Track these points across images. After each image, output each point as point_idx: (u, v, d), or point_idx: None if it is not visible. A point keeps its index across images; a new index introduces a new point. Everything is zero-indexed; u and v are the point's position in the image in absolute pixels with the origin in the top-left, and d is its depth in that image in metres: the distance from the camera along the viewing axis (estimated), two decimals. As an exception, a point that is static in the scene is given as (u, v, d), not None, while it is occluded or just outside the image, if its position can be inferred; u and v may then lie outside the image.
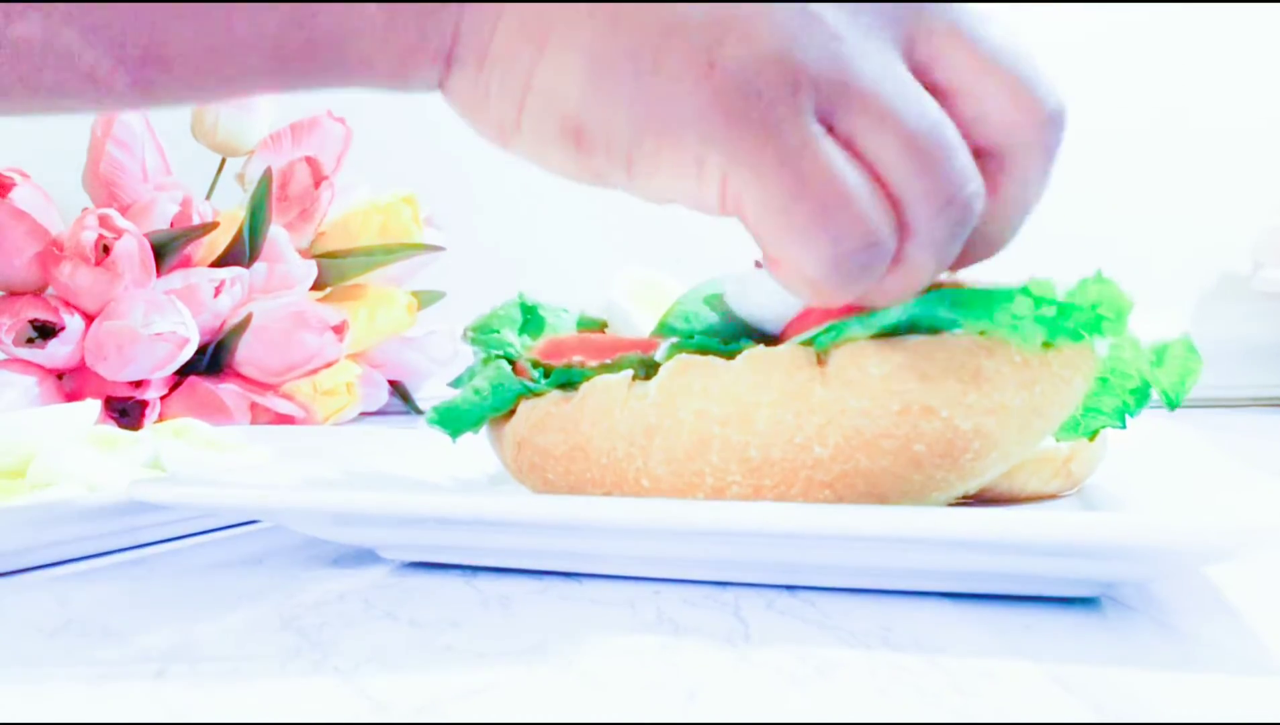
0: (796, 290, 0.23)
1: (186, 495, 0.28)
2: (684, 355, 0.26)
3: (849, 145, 0.22)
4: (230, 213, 0.80)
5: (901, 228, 0.23)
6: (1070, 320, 0.23)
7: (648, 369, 0.28)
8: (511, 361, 0.31)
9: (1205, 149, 0.97)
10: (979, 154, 0.23)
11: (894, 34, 0.22)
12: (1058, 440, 0.33)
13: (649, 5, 0.22)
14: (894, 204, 0.22)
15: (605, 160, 0.23)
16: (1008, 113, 0.23)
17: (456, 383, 0.33)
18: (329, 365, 0.80)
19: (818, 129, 0.22)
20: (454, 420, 0.32)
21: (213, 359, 0.77)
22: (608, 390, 0.28)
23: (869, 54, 0.22)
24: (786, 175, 0.22)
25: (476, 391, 0.31)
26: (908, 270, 0.23)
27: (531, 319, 0.35)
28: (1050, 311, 0.23)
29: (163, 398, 0.75)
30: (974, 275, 0.25)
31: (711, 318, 0.30)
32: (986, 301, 0.23)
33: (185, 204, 0.76)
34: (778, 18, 0.21)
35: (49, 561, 0.30)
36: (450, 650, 0.21)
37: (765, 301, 0.27)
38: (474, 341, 0.33)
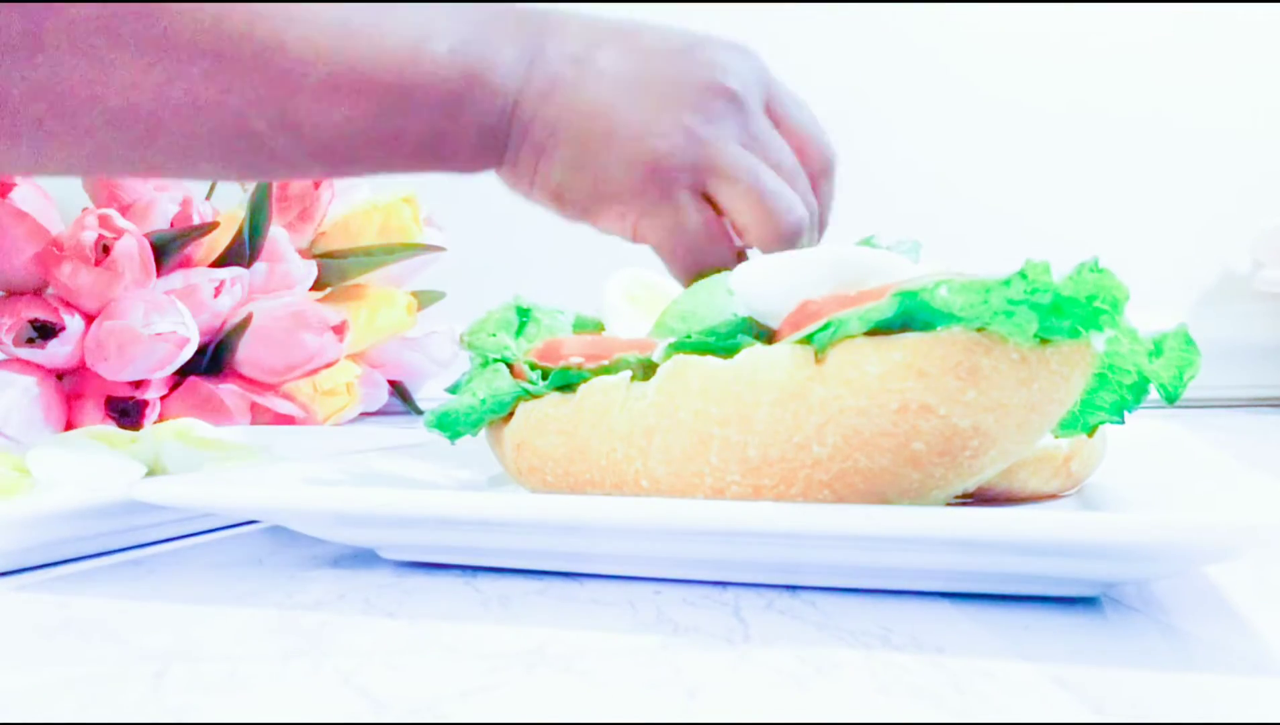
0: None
1: (186, 495, 0.28)
2: (682, 356, 0.26)
3: (715, 203, 0.38)
4: (230, 213, 0.80)
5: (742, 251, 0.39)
6: (1066, 316, 0.23)
7: (646, 370, 0.28)
8: (509, 364, 0.31)
9: (1206, 149, 0.97)
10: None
11: (740, 122, 0.39)
12: (1056, 437, 0.33)
13: (599, 126, 0.38)
14: (742, 234, 0.38)
15: (573, 211, 0.40)
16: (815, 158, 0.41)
17: (453, 389, 0.33)
18: (329, 365, 0.80)
19: (690, 196, 0.38)
20: (452, 424, 0.32)
21: (213, 359, 0.77)
22: (606, 391, 0.28)
23: (727, 150, 0.38)
24: (669, 224, 0.38)
25: (475, 395, 0.31)
26: None
27: (527, 321, 0.35)
28: (1045, 297, 0.23)
29: (163, 398, 0.75)
30: (971, 267, 0.25)
31: (712, 316, 0.30)
32: (982, 287, 0.23)
33: (185, 204, 0.76)
34: (670, 135, 0.37)
35: (49, 561, 0.30)
36: (450, 650, 0.21)
37: (768, 291, 0.27)
38: (470, 346, 0.33)
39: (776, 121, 0.40)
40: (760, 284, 0.27)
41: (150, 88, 0.33)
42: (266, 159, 0.36)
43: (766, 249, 0.38)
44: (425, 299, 0.92)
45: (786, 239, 0.37)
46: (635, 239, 0.39)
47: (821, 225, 0.42)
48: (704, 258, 0.38)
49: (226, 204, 0.83)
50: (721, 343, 0.26)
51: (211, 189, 0.87)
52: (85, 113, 0.33)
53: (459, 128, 0.37)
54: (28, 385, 0.69)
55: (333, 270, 0.84)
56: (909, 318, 0.24)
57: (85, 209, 0.71)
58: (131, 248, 0.69)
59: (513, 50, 0.38)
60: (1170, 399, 0.28)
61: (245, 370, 0.77)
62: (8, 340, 0.69)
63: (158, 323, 0.69)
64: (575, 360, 0.29)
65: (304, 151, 0.36)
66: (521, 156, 0.39)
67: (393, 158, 0.37)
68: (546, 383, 0.29)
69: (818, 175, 0.41)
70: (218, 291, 0.74)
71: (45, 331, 0.70)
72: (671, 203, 0.37)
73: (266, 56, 0.33)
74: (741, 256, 0.39)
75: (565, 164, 0.38)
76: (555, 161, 0.38)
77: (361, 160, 0.37)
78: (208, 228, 0.76)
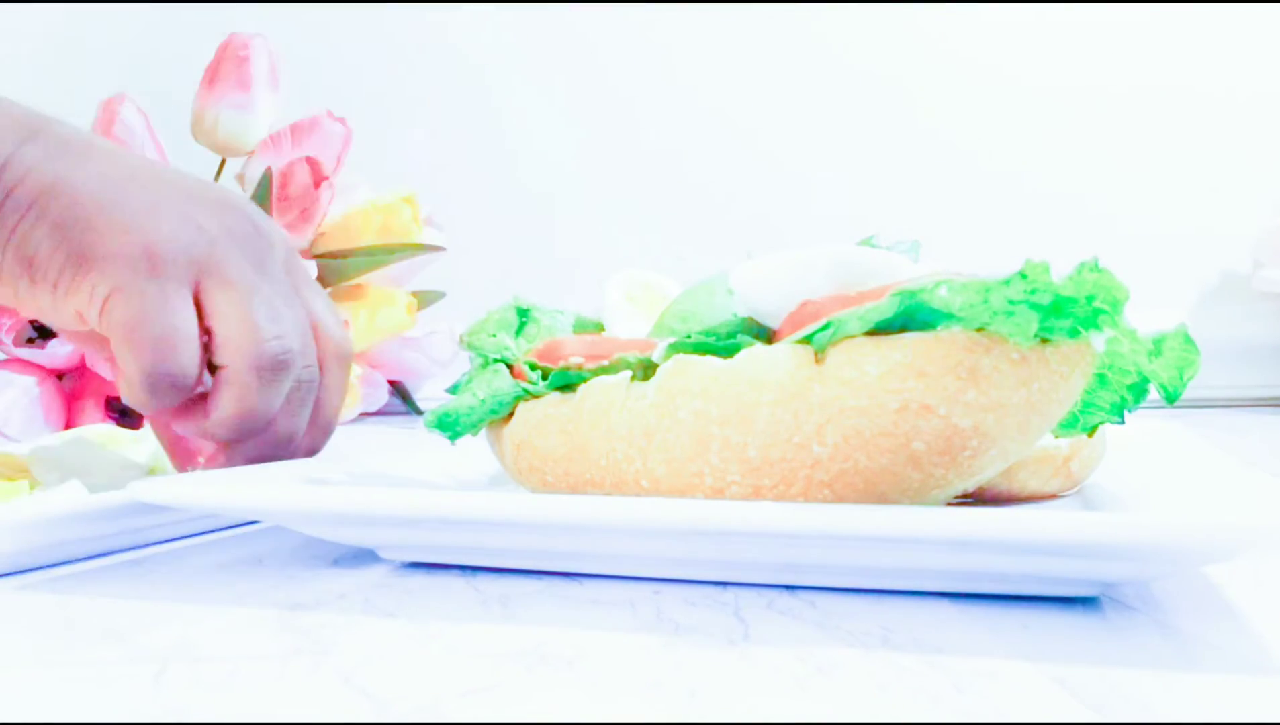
0: (126, 392, 0.34)
1: (186, 495, 0.28)
2: (682, 355, 0.26)
3: (205, 310, 0.34)
4: (230, 213, 0.79)
5: (216, 371, 0.34)
6: (1066, 316, 0.23)
7: (646, 370, 0.28)
8: (509, 364, 0.31)
9: (1206, 149, 0.97)
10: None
11: (258, 250, 0.36)
12: (1056, 437, 0.33)
13: (103, 196, 0.33)
14: (215, 351, 0.34)
15: (43, 286, 0.34)
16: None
17: (453, 389, 0.33)
18: (329, 365, 0.80)
19: (177, 288, 0.33)
20: (452, 424, 0.32)
21: (213, 359, 0.77)
22: (606, 391, 0.28)
23: (232, 255, 0.34)
24: (144, 308, 0.33)
25: (475, 395, 0.31)
26: (217, 402, 0.34)
27: (527, 321, 0.35)
28: (1045, 297, 0.23)
29: (163, 398, 0.75)
30: (971, 267, 0.25)
31: (712, 316, 0.30)
32: (982, 287, 0.23)
33: (185, 204, 0.76)
34: (177, 222, 0.34)
35: (49, 562, 0.30)
36: (450, 650, 0.21)
37: (768, 291, 0.27)
38: (470, 346, 0.33)
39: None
40: (760, 284, 0.27)
41: None
42: None
43: (238, 373, 0.34)
44: (425, 299, 0.92)
45: (265, 368, 0.34)
46: (99, 324, 0.34)
47: (324, 421, 0.38)
48: (168, 359, 0.33)
49: (226, 204, 0.83)
50: (721, 343, 0.26)
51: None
52: None
53: None
54: (28, 385, 0.69)
55: (333, 270, 0.84)
56: (909, 318, 0.24)
57: (85, 209, 0.71)
58: (131, 248, 0.69)
59: (7, 121, 0.34)
60: (1170, 399, 0.28)
61: (245, 370, 0.77)
62: (8, 340, 0.69)
63: (158, 323, 0.69)
64: (575, 360, 0.29)
65: None
66: (2, 215, 0.33)
67: None
68: (546, 383, 0.29)
69: (329, 359, 0.38)
70: (218, 291, 0.74)
71: (45, 331, 0.70)
72: (157, 284, 0.33)
73: None
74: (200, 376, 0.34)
75: (53, 225, 0.33)
76: (42, 223, 0.33)
77: None
78: (208, 228, 0.75)
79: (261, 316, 0.34)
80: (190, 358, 0.33)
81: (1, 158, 0.33)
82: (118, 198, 0.34)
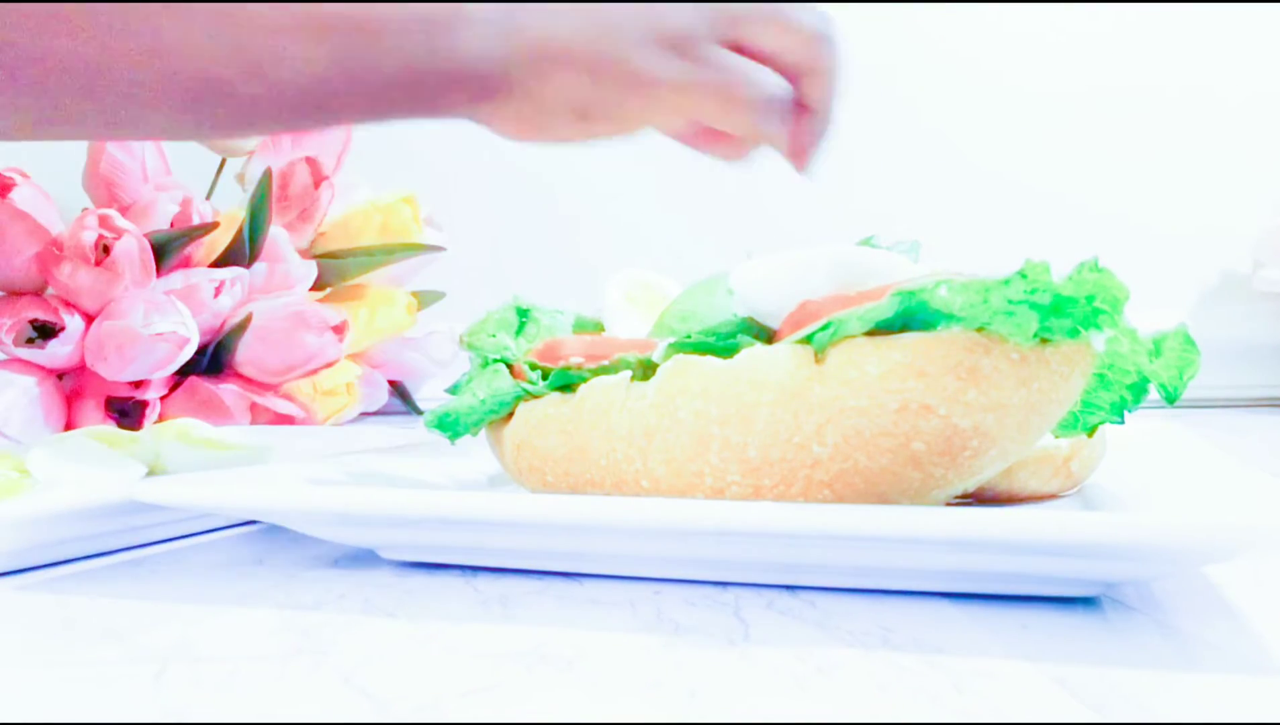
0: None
1: (186, 495, 0.28)
2: (682, 356, 0.26)
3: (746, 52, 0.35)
4: (230, 213, 0.80)
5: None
6: (1066, 316, 0.23)
7: (646, 370, 0.28)
8: (509, 364, 0.31)
9: (1206, 149, 0.97)
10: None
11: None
12: (1056, 437, 0.33)
13: (598, 18, 0.35)
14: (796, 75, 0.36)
15: (605, 121, 0.36)
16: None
17: (453, 389, 0.33)
18: (329, 365, 0.80)
19: (719, 47, 0.35)
20: (452, 424, 0.32)
21: (213, 359, 0.77)
22: (606, 392, 0.28)
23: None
24: (716, 81, 0.34)
25: (475, 395, 0.31)
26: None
27: (527, 321, 0.35)
28: (1045, 297, 0.23)
29: (163, 398, 0.75)
30: (971, 267, 0.25)
31: (712, 316, 0.30)
32: (982, 287, 0.23)
33: (185, 204, 0.76)
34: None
35: (49, 561, 0.30)
36: (450, 650, 0.21)
37: (768, 291, 0.27)
38: (470, 346, 0.33)
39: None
40: (760, 284, 0.27)
41: (98, 33, 0.30)
42: (237, 109, 0.33)
43: (825, 83, 0.36)
44: (425, 299, 0.92)
45: (835, 70, 0.36)
46: (689, 113, 0.36)
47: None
48: (766, 92, 0.34)
49: (226, 204, 0.83)
50: (721, 343, 0.26)
51: (211, 189, 0.87)
52: (31, 65, 0.30)
53: (440, 59, 0.33)
54: (28, 385, 0.69)
55: (333, 270, 0.84)
56: (909, 318, 0.24)
57: (85, 209, 0.71)
58: (131, 248, 0.69)
59: None
60: (1170, 399, 0.28)
61: (245, 370, 0.77)
62: (8, 340, 0.69)
63: (158, 323, 0.69)
64: (575, 360, 0.29)
65: (274, 99, 0.33)
66: (528, 76, 0.35)
67: (368, 100, 0.34)
68: (546, 383, 0.29)
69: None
70: (218, 291, 0.74)
71: (45, 331, 0.70)
72: (703, 62, 0.34)
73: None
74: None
75: (583, 66, 0.34)
76: (572, 68, 0.34)
77: (333, 107, 0.34)
78: (208, 228, 0.76)
79: (812, 22, 0.37)
80: (778, 82, 0.36)
81: (498, 18, 0.34)
82: (613, 12, 0.36)
